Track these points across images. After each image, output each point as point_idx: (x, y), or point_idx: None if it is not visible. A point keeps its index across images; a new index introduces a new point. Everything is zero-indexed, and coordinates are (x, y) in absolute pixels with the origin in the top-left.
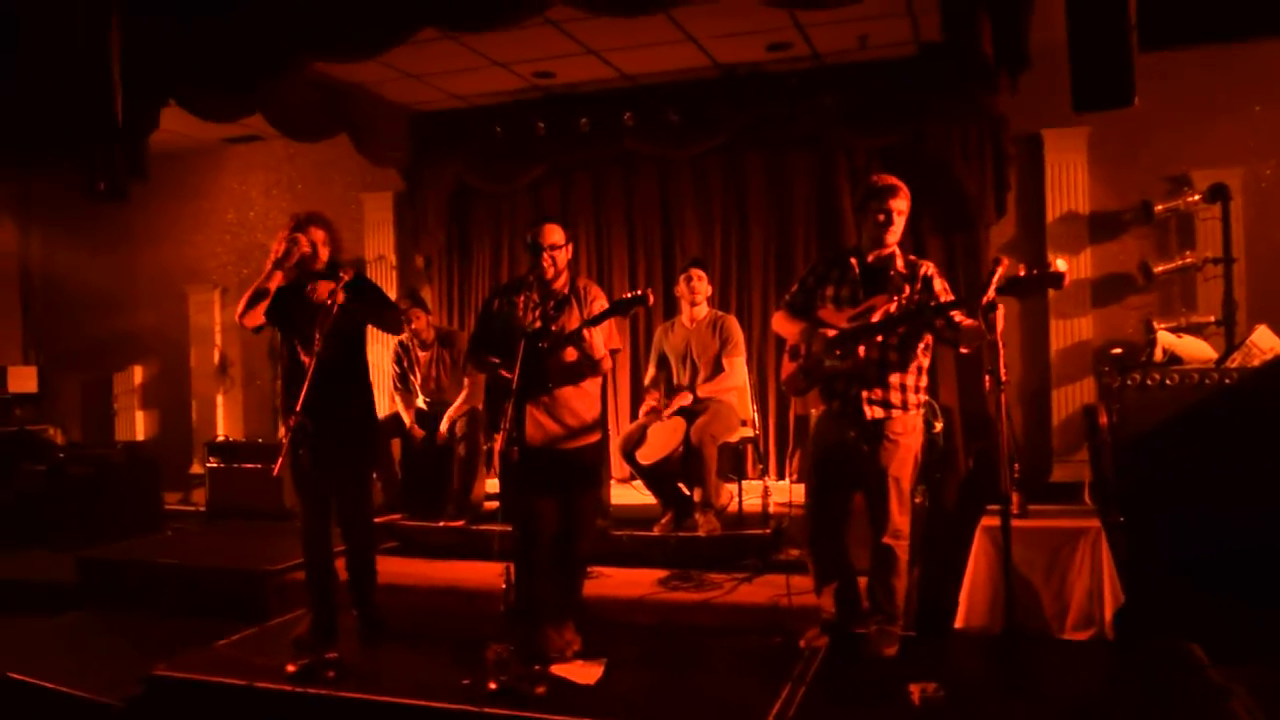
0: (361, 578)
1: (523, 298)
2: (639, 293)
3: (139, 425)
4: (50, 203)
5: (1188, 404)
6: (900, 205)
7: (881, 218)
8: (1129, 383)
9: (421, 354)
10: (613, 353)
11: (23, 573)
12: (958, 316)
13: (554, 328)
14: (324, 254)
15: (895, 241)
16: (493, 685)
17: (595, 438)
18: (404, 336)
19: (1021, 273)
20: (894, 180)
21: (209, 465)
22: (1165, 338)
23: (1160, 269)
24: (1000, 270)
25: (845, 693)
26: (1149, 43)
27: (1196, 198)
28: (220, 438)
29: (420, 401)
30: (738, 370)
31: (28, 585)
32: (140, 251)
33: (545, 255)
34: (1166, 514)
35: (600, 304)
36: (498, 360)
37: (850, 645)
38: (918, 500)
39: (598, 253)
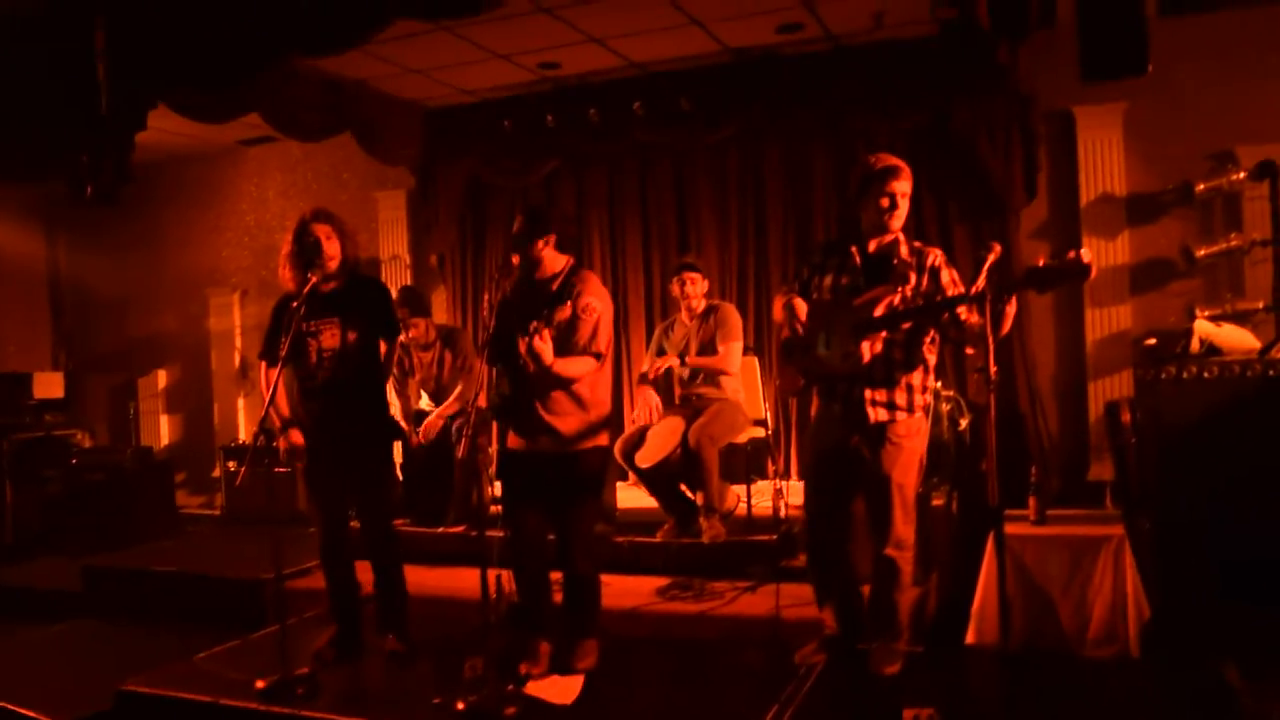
0: (389, 596)
1: (516, 297)
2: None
3: (163, 429)
4: (75, 208)
5: (1227, 398)
6: (903, 187)
7: (885, 202)
8: (1163, 376)
9: (422, 355)
10: (597, 356)
11: (32, 580)
12: (964, 313)
13: (518, 332)
14: (331, 250)
15: (899, 227)
16: (460, 706)
17: (590, 442)
18: (402, 338)
19: (1042, 262)
20: (895, 160)
21: (225, 469)
22: (1203, 327)
23: (1203, 253)
24: (991, 257)
25: (835, 716)
26: (1169, 6)
27: (1242, 175)
28: (234, 442)
29: (424, 403)
30: (732, 354)
31: (33, 592)
32: (162, 256)
33: (516, 248)
34: (1200, 520)
35: (586, 304)
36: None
37: (850, 662)
38: (938, 502)
39: (612, 246)
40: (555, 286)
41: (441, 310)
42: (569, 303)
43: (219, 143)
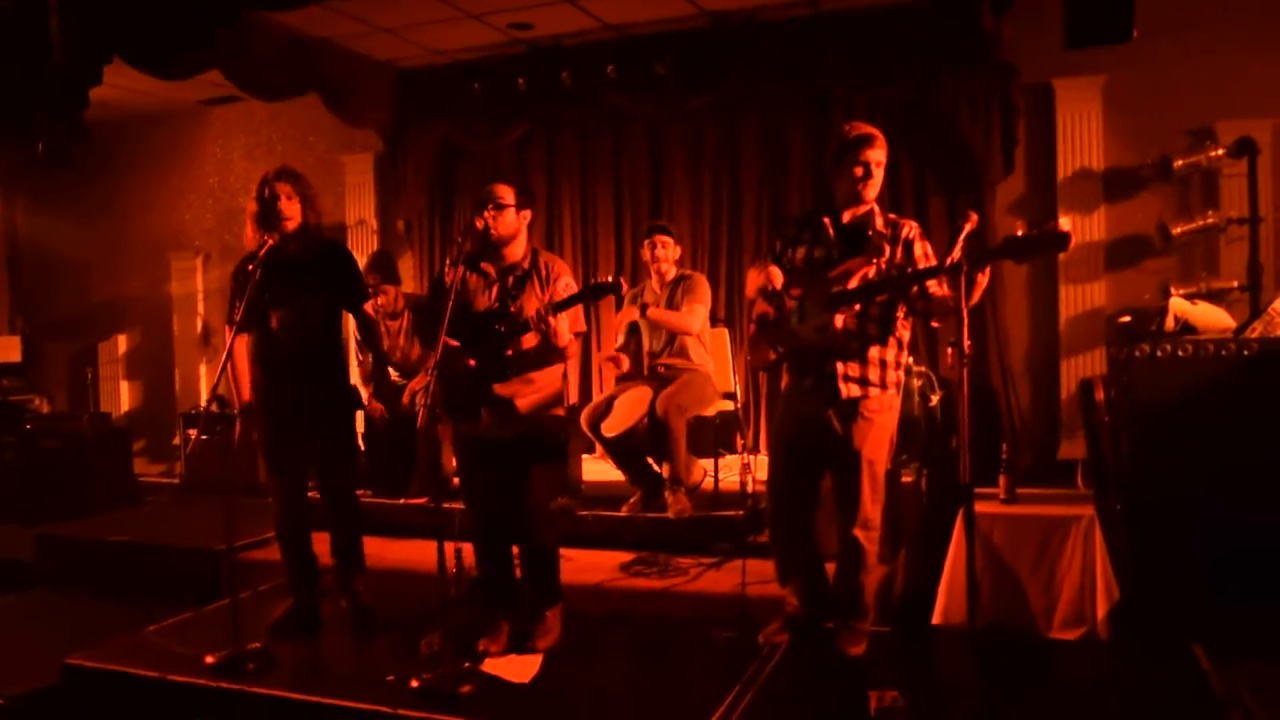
0: (347, 560)
1: (475, 273)
2: (611, 279)
3: (123, 395)
4: (33, 168)
5: (1201, 378)
6: (878, 156)
7: (858, 171)
8: (1136, 354)
9: (390, 323)
10: (577, 335)
11: None
12: (932, 286)
13: (512, 308)
14: (290, 211)
15: (874, 197)
16: (414, 684)
17: (547, 411)
18: (368, 306)
19: (1020, 232)
20: (869, 129)
21: (185, 437)
22: (1177, 304)
23: (1180, 230)
24: (968, 226)
25: (798, 698)
26: None
27: (1221, 152)
28: (194, 409)
29: (390, 372)
30: (696, 314)
31: None
32: (124, 218)
33: (487, 211)
34: (1171, 502)
35: (566, 284)
36: (457, 344)
37: (814, 642)
38: (908, 479)
39: (583, 213)
40: (527, 266)
41: (409, 278)
42: (554, 283)
43: (182, 102)
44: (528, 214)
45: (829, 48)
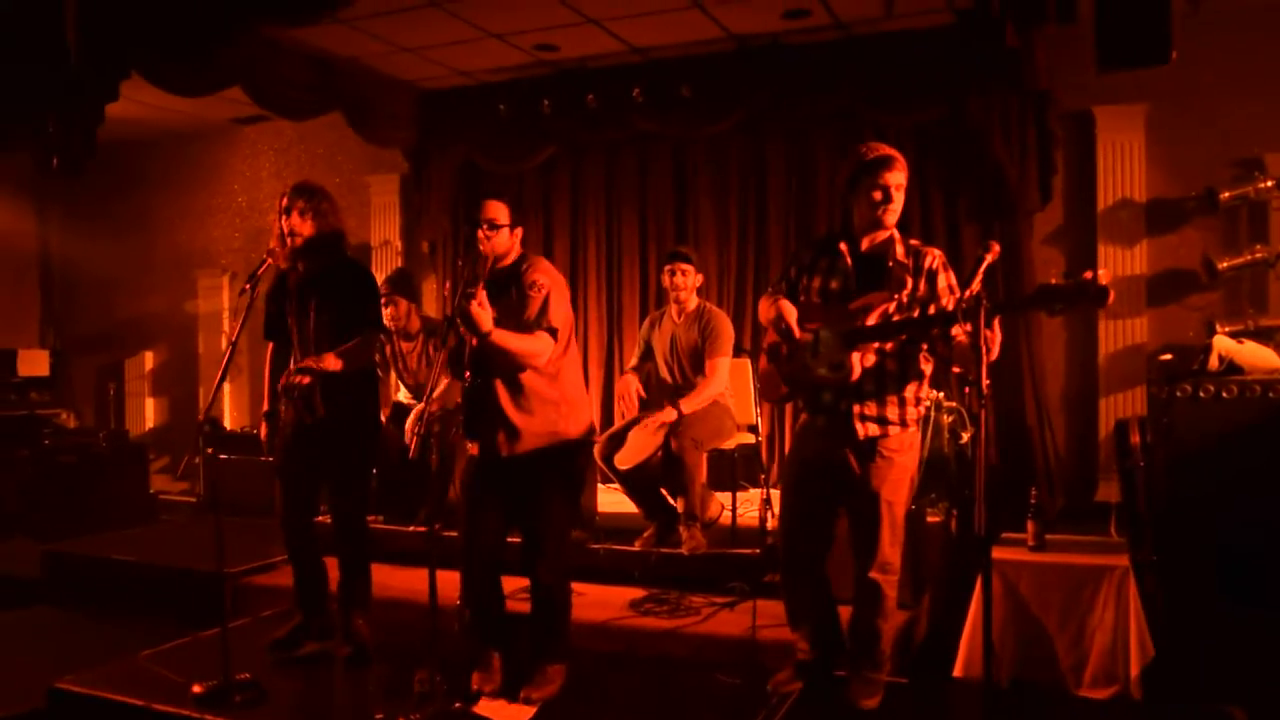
0: (349, 593)
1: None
2: None
3: (148, 412)
4: (67, 185)
5: (1246, 421)
6: (898, 179)
7: (877, 195)
8: (1178, 394)
9: (404, 345)
10: (551, 331)
11: None
12: (954, 328)
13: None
14: (302, 227)
15: (893, 223)
16: None
17: (560, 437)
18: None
19: (1054, 280)
20: (889, 150)
21: (204, 455)
22: (1222, 343)
23: (1226, 264)
24: (989, 258)
25: None
26: None
27: (1270, 184)
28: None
29: (402, 395)
30: (720, 372)
31: None
32: (153, 235)
33: (480, 231)
34: (1212, 554)
35: (533, 282)
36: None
37: (826, 691)
38: (936, 520)
39: (608, 235)
40: (507, 273)
41: (431, 300)
42: (528, 277)
43: (212, 121)
44: (520, 231)
45: (858, 71)
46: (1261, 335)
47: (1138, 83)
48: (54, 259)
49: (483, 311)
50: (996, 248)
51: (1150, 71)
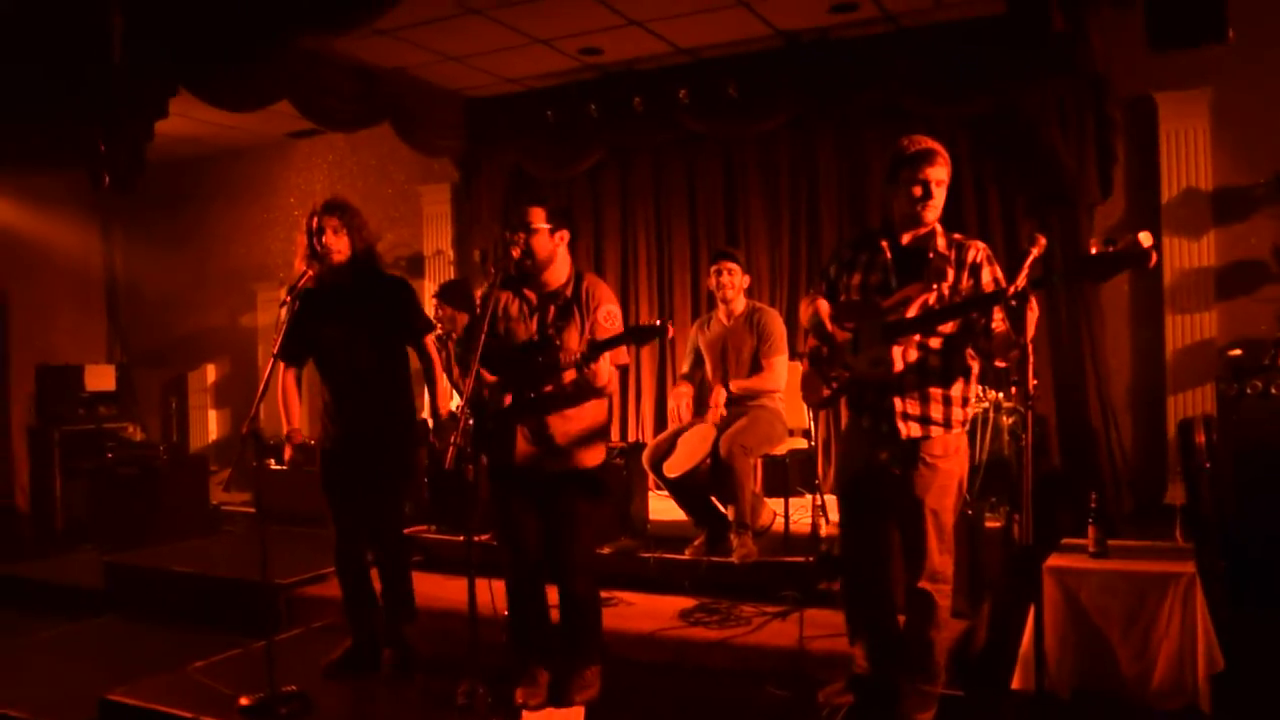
0: (394, 605)
1: (518, 299)
2: (658, 323)
3: (211, 424)
4: (129, 202)
5: None
6: (939, 174)
7: (917, 190)
8: (1248, 391)
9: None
10: (619, 368)
11: (58, 575)
12: (995, 320)
13: (556, 341)
14: (337, 245)
15: (935, 219)
16: None
17: (590, 454)
18: (438, 330)
19: (1094, 250)
20: (931, 143)
21: (263, 466)
22: None
23: None
24: (1035, 251)
25: None
26: None
27: None
28: (271, 439)
29: (454, 404)
30: (778, 370)
31: (56, 588)
32: (211, 250)
33: (518, 236)
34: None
35: (609, 313)
36: (494, 379)
37: (880, 705)
38: (995, 526)
39: (658, 239)
40: (570, 294)
41: None
42: (596, 312)
43: (267, 135)
44: (565, 234)
45: (907, 64)
46: None
47: (1201, 66)
48: (119, 275)
49: (602, 366)
50: (1043, 240)
51: (1214, 53)
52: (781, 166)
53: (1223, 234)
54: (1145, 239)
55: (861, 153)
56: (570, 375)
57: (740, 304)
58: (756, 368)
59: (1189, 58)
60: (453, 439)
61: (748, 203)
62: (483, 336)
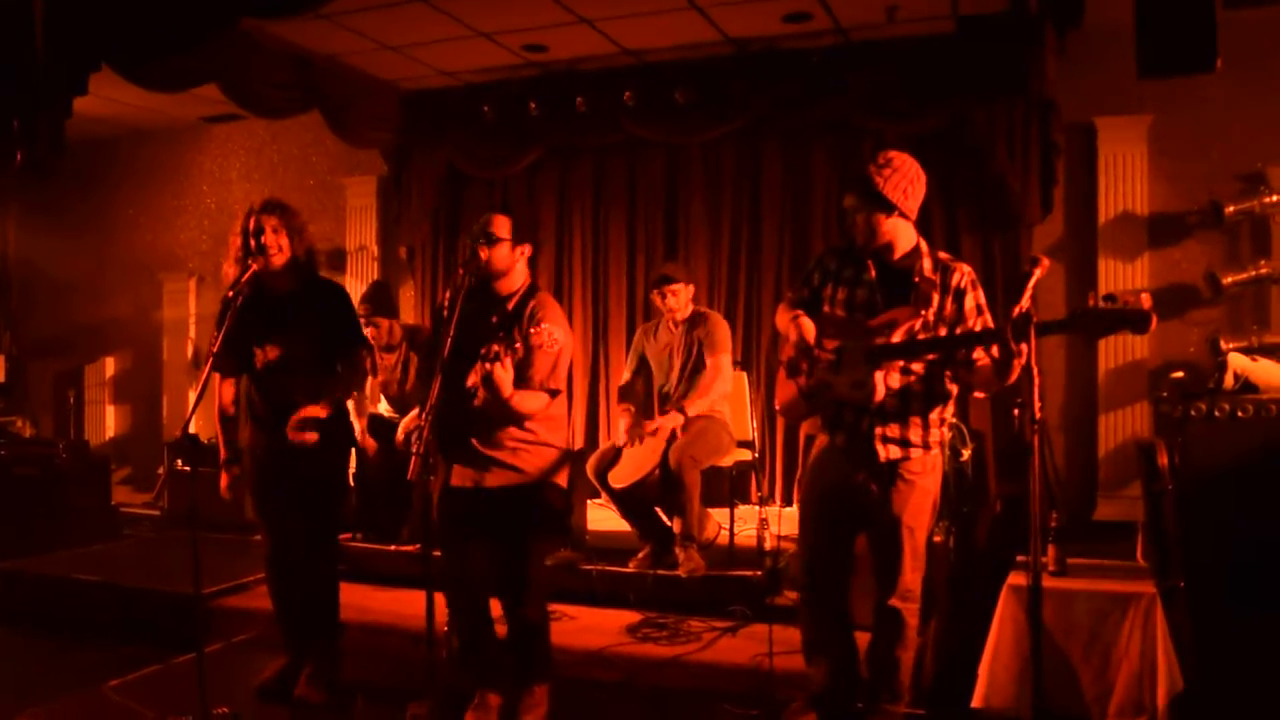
0: (315, 614)
1: (474, 307)
2: None
3: (109, 420)
4: (23, 183)
5: (1264, 441)
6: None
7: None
8: (1193, 413)
9: (385, 356)
10: (552, 393)
11: None
12: (977, 351)
13: (482, 351)
14: (277, 245)
15: (863, 244)
16: None
17: (544, 477)
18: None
19: (1092, 303)
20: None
21: (170, 467)
22: (1238, 360)
23: (1230, 280)
24: (1038, 273)
25: None
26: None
27: (1275, 198)
28: (172, 438)
29: (382, 408)
30: (723, 369)
31: None
32: (116, 237)
33: (479, 244)
34: (1239, 580)
35: (545, 331)
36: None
37: None
38: (937, 539)
39: (594, 246)
40: (512, 306)
41: (409, 308)
42: (537, 324)
43: (182, 118)
44: (526, 248)
45: (856, 78)
46: (1265, 351)
47: (1141, 95)
48: (10, 259)
49: (506, 375)
50: (1046, 262)
51: (1153, 83)
52: (726, 174)
53: (1157, 257)
54: (1146, 300)
55: (807, 164)
56: (481, 395)
57: (686, 311)
58: (700, 366)
59: (1130, 86)
60: (415, 449)
61: (689, 209)
62: (449, 341)
